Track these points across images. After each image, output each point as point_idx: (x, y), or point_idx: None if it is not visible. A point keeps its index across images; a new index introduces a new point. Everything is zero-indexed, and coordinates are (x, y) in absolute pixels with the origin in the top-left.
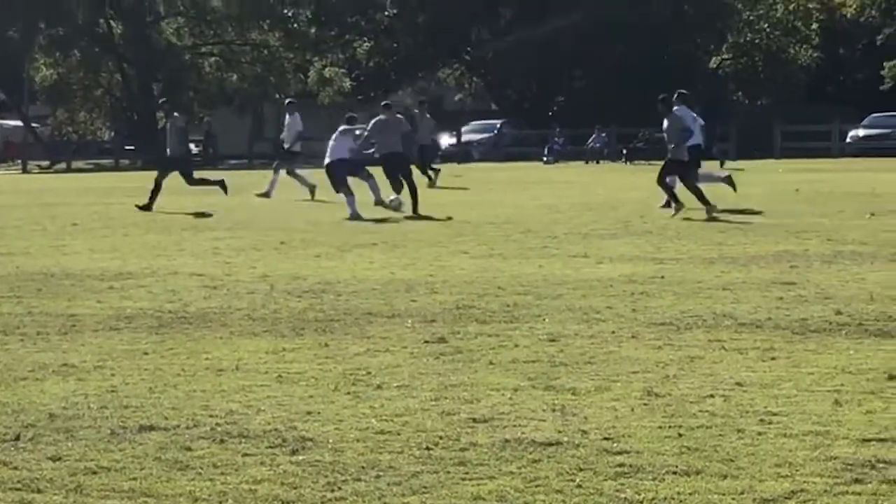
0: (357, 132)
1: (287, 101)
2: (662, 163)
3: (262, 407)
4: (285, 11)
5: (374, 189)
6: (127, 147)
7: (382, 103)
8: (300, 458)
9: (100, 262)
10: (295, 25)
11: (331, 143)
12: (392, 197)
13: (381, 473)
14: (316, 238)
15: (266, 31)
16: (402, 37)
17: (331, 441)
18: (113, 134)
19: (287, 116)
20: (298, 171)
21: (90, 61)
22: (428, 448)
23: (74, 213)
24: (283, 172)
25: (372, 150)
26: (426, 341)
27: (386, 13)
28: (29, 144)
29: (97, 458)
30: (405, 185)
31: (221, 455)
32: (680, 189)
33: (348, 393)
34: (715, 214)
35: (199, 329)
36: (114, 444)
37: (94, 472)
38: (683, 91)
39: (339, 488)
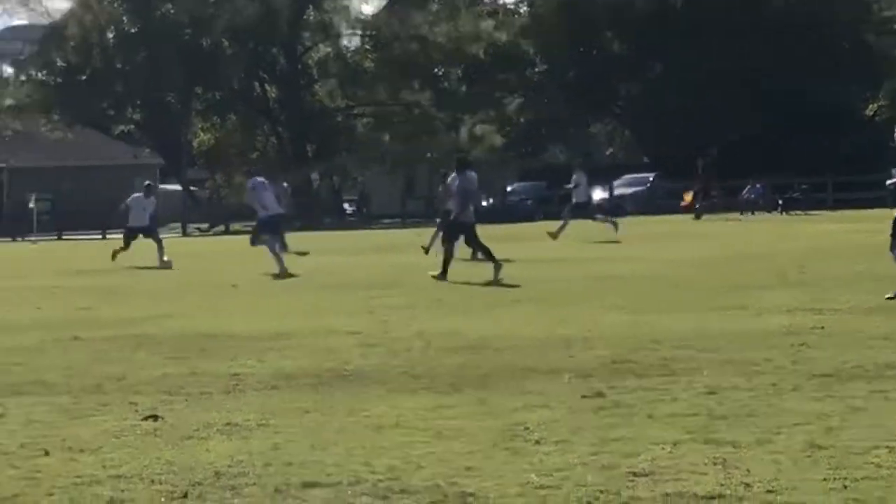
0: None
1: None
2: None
3: (422, 463)
4: (436, 71)
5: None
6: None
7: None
8: None
9: (259, 323)
10: (446, 84)
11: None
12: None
13: None
14: (471, 295)
15: (417, 90)
16: (552, 93)
17: (492, 496)
18: None
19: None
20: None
21: (246, 125)
22: (589, 503)
23: (234, 275)
24: None
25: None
26: (584, 396)
27: (536, 70)
28: (188, 208)
29: None
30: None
31: None
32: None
33: (507, 448)
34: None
35: (358, 387)
36: (279, 502)
37: None
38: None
39: None
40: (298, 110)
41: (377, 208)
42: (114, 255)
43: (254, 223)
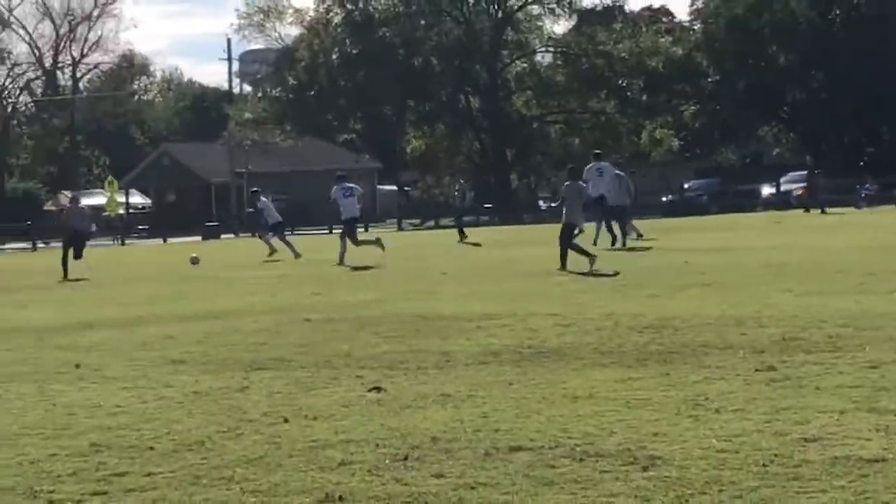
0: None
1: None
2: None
3: (614, 429)
4: (620, 82)
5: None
6: (485, 206)
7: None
8: (651, 474)
9: (467, 306)
10: (629, 94)
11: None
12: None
13: (723, 488)
14: (651, 280)
15: (603, 100)
16: (724, 100)
17: (677, 459)
18: (473, 195)
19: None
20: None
21: (452, 133)
22: (764, 465)
23: (443, 263)
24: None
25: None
26: (757, 370)
27: (709, 80)
28: (402, 206)
29: (475, 476)
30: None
31: (581, 472)
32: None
33: (690, 416)
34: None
35: (556, 362)
36: (488, 463)
37: (473, 488)
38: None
39: (687, 501)
40: (499, 119)
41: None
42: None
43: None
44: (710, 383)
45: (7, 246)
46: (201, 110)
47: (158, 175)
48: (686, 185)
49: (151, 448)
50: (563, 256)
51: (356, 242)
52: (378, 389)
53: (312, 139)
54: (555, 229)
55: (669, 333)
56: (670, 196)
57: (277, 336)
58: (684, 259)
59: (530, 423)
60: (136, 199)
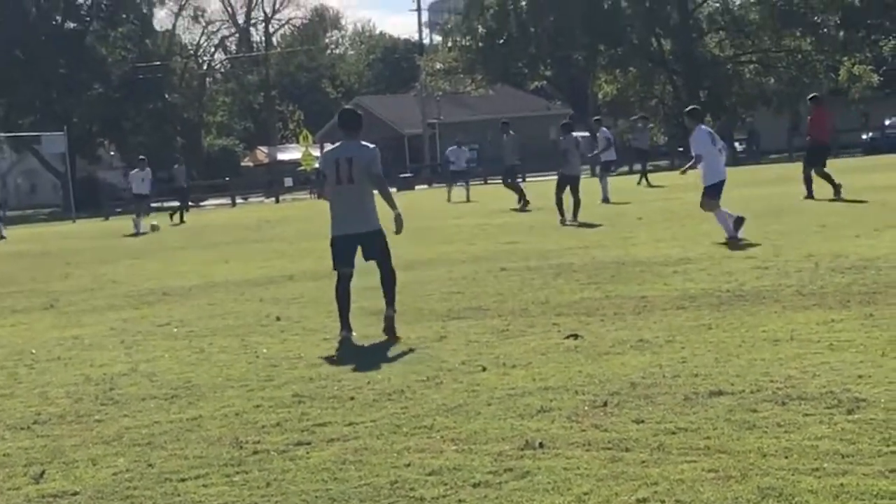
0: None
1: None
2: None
3: (817, 372)
4: (815, 18)
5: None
6: (678, 149)
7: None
8: (856, 416)
9: (663, 250)
10: (824, 30)
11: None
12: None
13: None
14: (852, 221)
15: (798, 37)
16: None
17: (883, 401)
18: (666, 139)
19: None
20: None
21: (644, 76)
22: None
23: (638, 208)
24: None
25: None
26: None
27: None
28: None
29: (675, 421)
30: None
31: (784, 415)
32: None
33: (895, 357)
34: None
35: (755, 305)
36: (688, 408)
37: (673, 433)
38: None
39: (894, 444)
40: (691, 61)
41: (765, 145)
42: None
43: None
44: None
45: (207, 202)
46: (392, 62)
47: None
48: (888, 122)
49: (352, 398)
50: (569, 207)
51: None
52: (575, 336)
53: (503, 87)
54: (747, 172)
55: (872, 274)
56: (871, 134)
57: (474, 285)
58: (884, 199)
59: (730, 367)
60: None
